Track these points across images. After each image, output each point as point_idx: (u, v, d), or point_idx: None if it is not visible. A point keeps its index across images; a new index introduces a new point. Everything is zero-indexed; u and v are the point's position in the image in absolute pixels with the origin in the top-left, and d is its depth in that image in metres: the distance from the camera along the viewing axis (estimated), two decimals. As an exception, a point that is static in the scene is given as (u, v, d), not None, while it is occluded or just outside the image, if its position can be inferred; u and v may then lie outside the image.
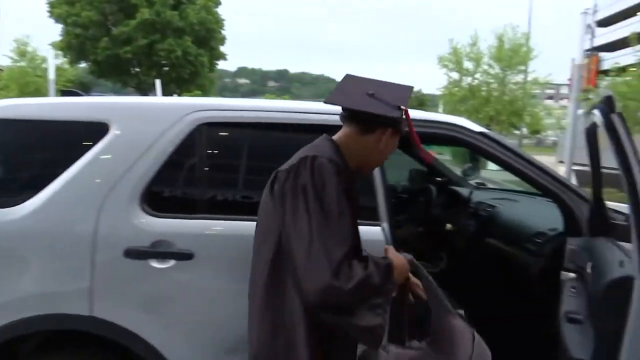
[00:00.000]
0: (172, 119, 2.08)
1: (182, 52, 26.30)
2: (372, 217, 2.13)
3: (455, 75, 20.43)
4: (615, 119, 1.41)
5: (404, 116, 1.59)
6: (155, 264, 1.95)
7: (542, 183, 2.32)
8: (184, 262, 1.95)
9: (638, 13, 34.28)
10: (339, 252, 1.35)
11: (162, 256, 1.95)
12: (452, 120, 2.36)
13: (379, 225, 2.11)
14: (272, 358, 1.46)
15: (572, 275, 2.20)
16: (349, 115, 1.63)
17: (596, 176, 2.12)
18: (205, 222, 2.04)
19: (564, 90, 50.56)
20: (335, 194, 1.41)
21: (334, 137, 1.61)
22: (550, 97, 51.09)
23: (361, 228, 2.09)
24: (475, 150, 2.42)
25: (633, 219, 1.38)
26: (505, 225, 2.99)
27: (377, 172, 2.13)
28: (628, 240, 2.00)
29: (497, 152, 2.33)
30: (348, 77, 1.71)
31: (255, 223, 2.03)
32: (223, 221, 2.06)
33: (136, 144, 2.03)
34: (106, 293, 1.97)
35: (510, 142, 3.08)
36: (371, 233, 2.10)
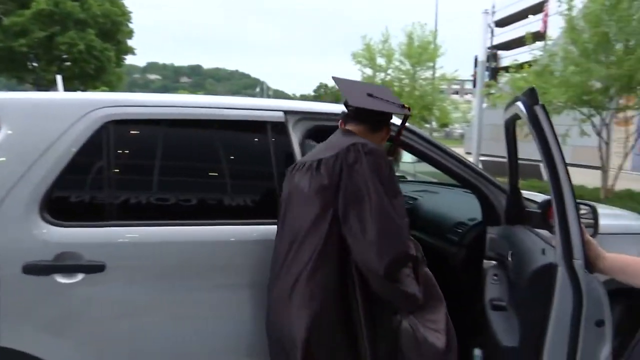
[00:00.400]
0: (74, 116, 1.86)
1: (86, 46, 24.47)
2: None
3: (369, 71, 20.94)
4: (539, 110, 1.45)
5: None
6: (60, 279, 1.73)
7: (460, 174, 2.37)
8: (95, 275, 1.76)
9: (530, 15, 37.25)
10: (405, 225, 1.55)
11: (69, 270, 1.74)
12: None
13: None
14: (329, 344, 1.52)
15: (493, 263, 2.27)
16: (357, 114, 1.78)
17: (513, 167, 2.21)
18: (117, 229, 1.85)
19: (468, 86, 53.81)
20: (393, 175, 1.61)
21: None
22: (456, 92, 54.08)
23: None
24: (395, 143, 2.42)
25: (556, 208, 1.42)
26: (427, 217, 3.05)
27: None
28: (542, 227, 2.10)
29: (417, 145, 2.35)
30: (351, 82, 1.97)
31: (174, 227, 1.92)
32: (137, 227, 1.89)
33: (32, 145, 1.80)
34: (3, 316, 1.73)
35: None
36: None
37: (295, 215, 1.65)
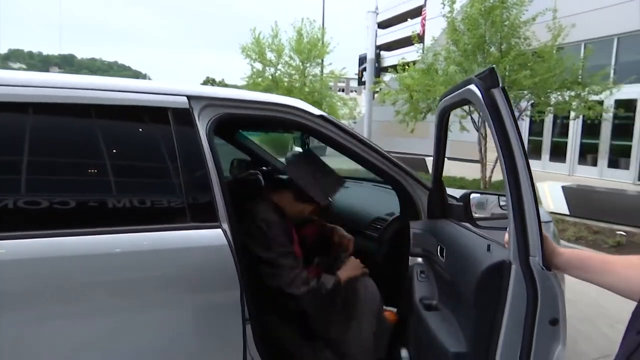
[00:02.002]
0: None
1: None
2: (211, 219, 1.77)
3: (258, 66, 20.61)
4: (497, 93, 1.32)
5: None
6: None
7: (380, 167, 2.25)
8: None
9: (409, 19, 39.56)
10: None
11: None
12: (291, 102, 2.12)
13: (219, 227, 1.76)
14: None
15: (419, 260, 2.17)
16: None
17: (440, 160, 2.11)
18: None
19: (353, 84, 55.84)
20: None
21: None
22: (342, 90, 55.85)
23: (199, 232, 1.75)
24: (314, 135, 2.22)
25: (512, 202, 1.31)
26: (341, 213, 2.89)
27: (212, 169, 1.78)
28: (464, 221, 2.03)
29: (337, 137, 2.18)
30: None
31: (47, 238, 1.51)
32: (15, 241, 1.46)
33: None
34: None
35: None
36: (210, 237, 1.75)
37: None
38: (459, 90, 1.56)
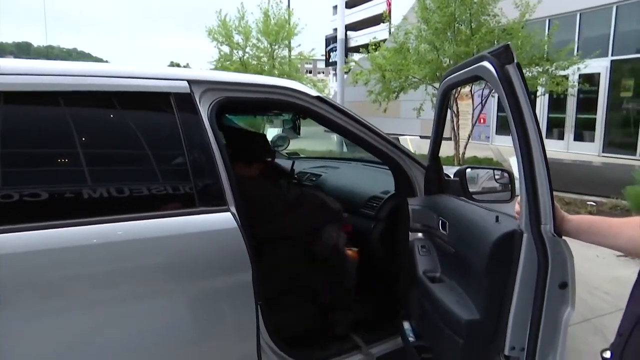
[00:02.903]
0: None
1: None
2: (219, 203, 1.77)
3: (226, 49, 20.25)
4: (511, 69, 1.37)
5: None
6: None
7: (378, 147, 2.29)
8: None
9: (374, -3, 39.40)
10: None
11: None
12: (289, 84, 2.13)
13: (228, 211, 1.77)
14: None
15: (419, 235, 2.23)
16: None
17: (439, 136, 2.16)
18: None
19: (320, 65, 55.54)
20: None
21: None
22: (309, 72, 55.52)
23: (208, 216, 1.76)
24: (311, 116, 2.24)
25: (524, 175, 1.36)
26: (336, 193, 2.93)
27: (217, 152, 1.78)
28: (461, 195, 2.11)
29: (333, 117, 2.21)
30: None
31: (61, 229, 1.49)
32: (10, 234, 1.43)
33: None
34: None
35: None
36: (219, 220, 1.76)
37: None
38: (469, 68, 1.60)
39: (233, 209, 1.78)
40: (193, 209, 1.73)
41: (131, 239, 1.59)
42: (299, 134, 3.42)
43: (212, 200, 1.76)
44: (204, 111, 1.83)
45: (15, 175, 1.50)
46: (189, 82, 1.84)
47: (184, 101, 1.80)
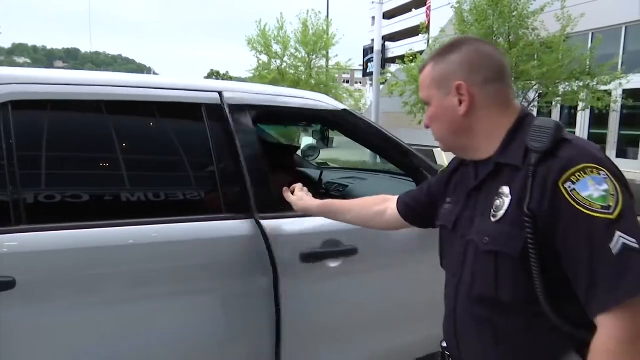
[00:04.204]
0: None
1: None
2: (244, 211, 1.85)
3: (264, 58, 20.65)
4: None
5: None
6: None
7: (401, 160, 2.33)
8: (2, 293, 1.40)
9: (413, 9, 39.38)
10: None
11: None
12: (314, 96, 2.20)
13: (253, 218, 1.84)
14: None
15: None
16: None
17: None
18: (28, 235, 1.49)
19: (358, 75, 55.82)
20: None
21: None
22: (347, 82, 55.79)
23: (233, 223, 1.83)
24: (337, 127, 2.30)
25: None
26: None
27: (244, 161, 1.86)
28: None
29: (361, 131, 2.26)
30: None
31: (96, 229, 1.60)
32: (52, 232, 1.54)
33: None
34: None
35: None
36: (244, 228, 1.83)
37: None
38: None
39: (257, 217, 1.85)
40: (219, 214, 1.81)
41: (166, 241, 1.69)
42: (327, 145, 3.49)
43: (237, 208, 1.83)
44: (232, 121, 1.92)
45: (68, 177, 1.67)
46: (220, 93, 1.93)
47: (214, 111, 1.89)
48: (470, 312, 1.13)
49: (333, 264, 1.92)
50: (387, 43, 35.66)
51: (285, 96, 2.10)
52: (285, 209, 1.88)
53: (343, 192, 3.16)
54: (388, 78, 14.56)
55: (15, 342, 1.45)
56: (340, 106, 2.24)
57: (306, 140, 5.19)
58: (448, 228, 1.23)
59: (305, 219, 1.91)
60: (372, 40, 19.54)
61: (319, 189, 3.06)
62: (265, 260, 1.78)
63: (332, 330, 2.01)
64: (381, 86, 16.52)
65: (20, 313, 1.44)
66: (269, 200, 1.87)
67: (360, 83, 56.67)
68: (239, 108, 1.93)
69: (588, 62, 9.95)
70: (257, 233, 1.79)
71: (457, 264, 1.17)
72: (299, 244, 1.87)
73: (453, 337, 1.21)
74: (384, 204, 1.58)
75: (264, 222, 1.80)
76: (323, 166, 3.97)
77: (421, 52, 12.47)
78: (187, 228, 1.75)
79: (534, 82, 9.54)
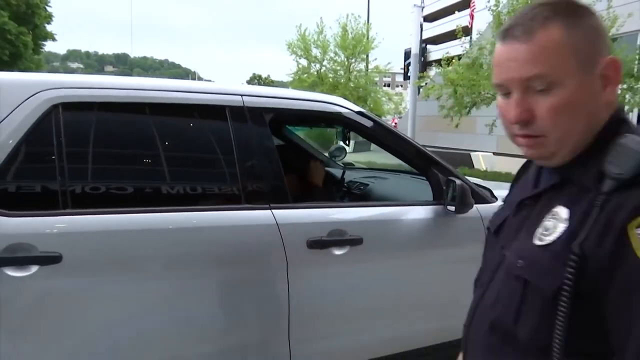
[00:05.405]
0: (15, 99, 1.72)
1: (-1, 29, 22.60)
2: (262, 201, 2.04)
3: (304, 62, 20.97)
4: None
5: None
6: (11, 272, 1.61)
7: (417, 162, 2.47)
8: (50, 266, 1.65)
9: (457, 11, 38.83)
10: None
11: (22, 262, 1.61)
12: (332, 99, 2.37)
13: (269, 209, 2.03)
14: None
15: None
16: None
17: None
18: (72, 218, 1.74)
19: (399, 78, 55.55)
20: None
21: None
22: (387, 85, 55.54)
23: (252, 212, 2.03)
24: (354, 129, 2.46)
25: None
26: (386, 199, 3.12)
27: (264, 158, 2.07)
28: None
29: (376, 132, 2.41)
30: None
31: (132, 214, 1.83)
32: (93, 216, 1.79)
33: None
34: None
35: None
36: (261, 217, 2.02)
37: None
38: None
39: (271, 206, 2.04)
40: (239, 204, 2.02)
41: (190, 227, 1.92)
42: (348, 145, 3.65)
43: (255, 199, 2.03)
44: (254, 122, 2.12)
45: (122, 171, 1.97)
46: (242, 96, 2.13)
47: (237, 113, 2.09)
48: (483, 335, 0.94)
49: (339, 251, 2.09)
50: (428, 46, 35.32)
51: (301, 99, 2.28)
52: (296, 200, 2.07)
53: (364, 190, 3.31)
54: (427, 82, 14.48)
55: (60, 308, 1.70)
56: (356, 108, 2.39)
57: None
58: (491, 231, 1.04)
59: (313, 210, 2.10)
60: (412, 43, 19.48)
61: (340, 187, 3.23)
62: (278, 244, 1.97)
63: (339, 315, 2.17)
64: (420, 89, 16.50)
65: (65, 283, 1.69)
66: (281, 192, 2.07)
67: (402, 86, 56.34)
68: (258, 110, 2.13)
69: (637, 65, 9.61)
70: (273, 221, 1.99)
71: (488, 274, 0.98)
72: (307, 232, 2.05)
73: (464, 350, 1.04)
74: None
75: (276, 212, 1.99)
76: (348, 166, 4.15)
77: (459, 57, 12.34)
78: (211, 216, 1.96)
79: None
